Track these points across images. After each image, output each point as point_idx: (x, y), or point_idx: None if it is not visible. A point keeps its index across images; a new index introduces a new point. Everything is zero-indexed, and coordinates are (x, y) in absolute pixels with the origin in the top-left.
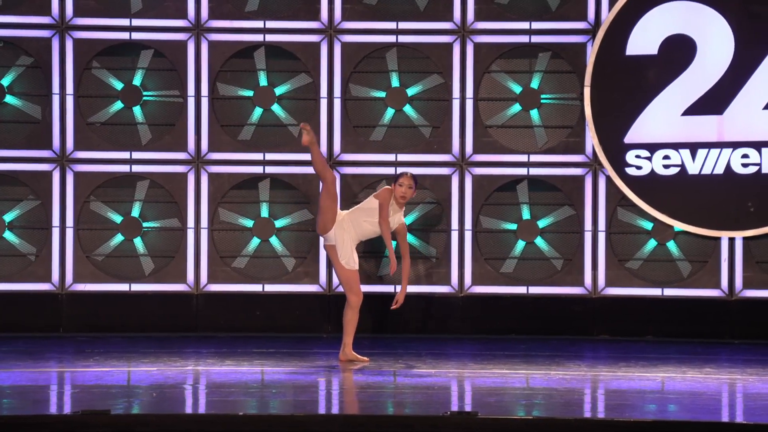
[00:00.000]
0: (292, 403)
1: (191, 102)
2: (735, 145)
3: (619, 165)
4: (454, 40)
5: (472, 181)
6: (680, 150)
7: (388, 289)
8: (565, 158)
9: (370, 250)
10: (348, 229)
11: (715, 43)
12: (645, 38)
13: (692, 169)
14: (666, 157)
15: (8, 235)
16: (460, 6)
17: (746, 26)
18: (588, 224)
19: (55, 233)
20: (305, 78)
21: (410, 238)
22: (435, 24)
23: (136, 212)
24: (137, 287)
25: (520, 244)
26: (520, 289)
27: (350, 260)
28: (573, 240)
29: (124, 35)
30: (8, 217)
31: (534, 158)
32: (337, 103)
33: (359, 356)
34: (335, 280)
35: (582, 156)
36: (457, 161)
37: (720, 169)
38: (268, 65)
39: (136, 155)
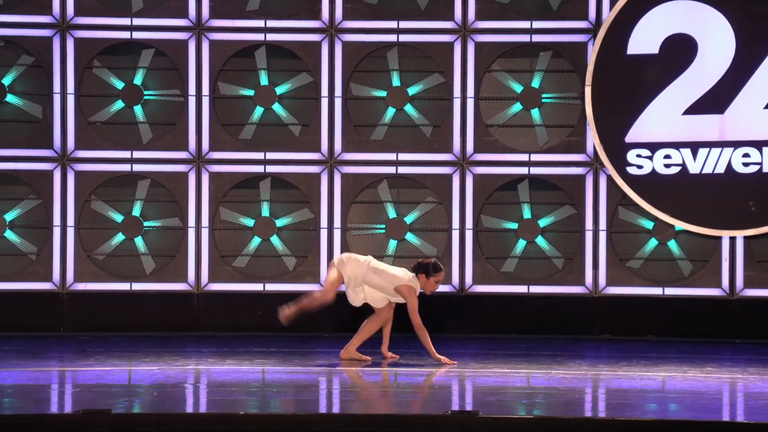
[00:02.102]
0: (293, 402)
1: (192, 101)
2: (736, 144)
3: (620, 164)
4: (455, 39)
5: (473, 181)
6: (681, 149)
7: None
8: (566, 157)
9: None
10: (364, 280)
11: (716, 42)
12: (646, 38)
13: (693, 168)
14: (667, 157)
15: (9, 234)
16: (461, 5)
17: (747, 26)
18: (589, 223)
19: (56, 232)
20: (306, 77)
21: (411, 237)
22: (436, 23)
23: (137, 211)
24: (138, 286)
25: (521, 244)
26: (521, 289)
27: (354, 299)
28: (574, 239)
29: (125, 34)
30: (9, 217)
31: (535, 157)
32: (338, 103)
33: (361, 355)
34: None
35: (583, 155)
36: (458, 160)
37: (721, 169)
38: (269, 64)
39: (137, 154)
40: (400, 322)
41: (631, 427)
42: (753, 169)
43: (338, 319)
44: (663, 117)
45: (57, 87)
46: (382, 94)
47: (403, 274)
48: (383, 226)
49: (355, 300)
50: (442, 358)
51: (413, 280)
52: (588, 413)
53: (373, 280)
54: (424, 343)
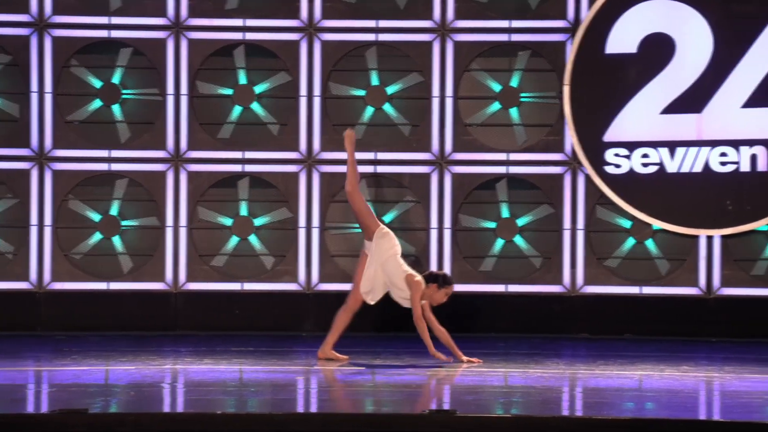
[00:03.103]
0: (270, 401)
1: (170, 100)
2: (713, 143)
3: (598, 163)
4: (434, 38)
5: (451, 180)
6: (659, 148)
7: None
8: (544, 156)
9: None
10: (387, 266)
11: (694, 41)
12: (624, 37)
13: (671, 167)
14: (645, 156)
15: None
16: (440, 4)
17: (725, 25)
18: (567, 222)
19: (33, 232)
20: (285, 76)
21: None
22: (415, 22)
23: (114, 211)
24: (115, 286)
25: (499, 243)
26: (499, 288)
27: (370, 293)
28: (552, 238)
29: (103, 33)
30: None
31: (513, 156)
32: (317, 102)
33: (338, 355)
34: (314, 278)
35: (561, 154)
36: (437, 159)
37: (698, 168)
38: (248, 63)
39: (115, 153)
40: (378, 322)
41: (608, 425)
42: (730, 168)
43: (316, 319)
44: (641, 116)
45: (34, 86)
46: (361, 93)
47: (415, 275)
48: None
49: (375, 293)
50: (438, 354)
51: (423, 285)
52: (565, 412)
53: (390, 264)
54: (422, 335)
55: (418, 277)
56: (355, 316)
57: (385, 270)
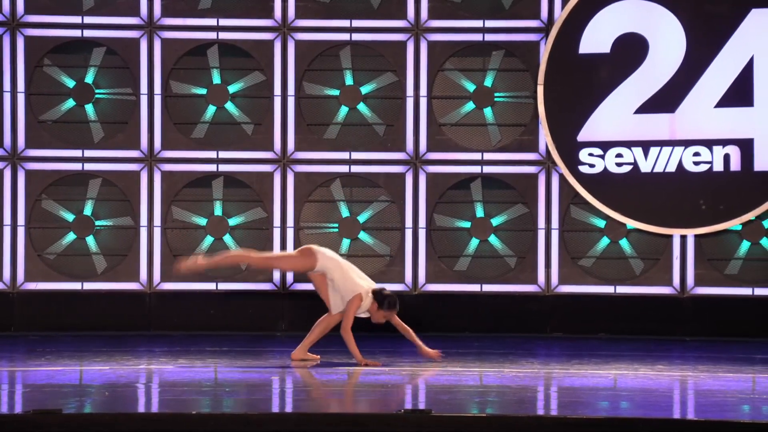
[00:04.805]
0: (245, 401)
1: (144, 100)
2: (687, 143)
3: (572, 163)
4: (408, 38)
5: (425, 179)
6: (633, 148)
7: None
8: (518, 156)
9: None
10: (343, 282)
11: (667, 41)
12: (597, 37)
13: (645, 167)
14: (619, 155)
15: None
16: (413, 4)
17: (697, 25)
18: (541, 222)
19: (6, 232)
20: (259, 76)
21: (364, 236)
22: (388, 22)
23: (88, 210)
24: (89, 286)
25: (474, 242)
26: (474, 287)
27: (336, 306)
28: (526, 238)
29: (76, 33)
30: None
31: (487, 156)
32: (291, 101)
33: (311, 355)
34: (289, 278)
35: (535, 154)
36: (411, 159)
37: (672, 167)
38: (222, 63)
39: (89, 153)
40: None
41: (583, 424)
42: (703, 168)
43: (291, 318)
44: (615, 116)
45: (7, 85)
46: (335, 92)
47: (366, 286)
48: (336, 225)
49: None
50: (368, 361)
51: (368, 296)
52: (540, 411)
53: (337, 277)
54: (349, 346)
55: (363, 291)
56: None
57: (343, 295)
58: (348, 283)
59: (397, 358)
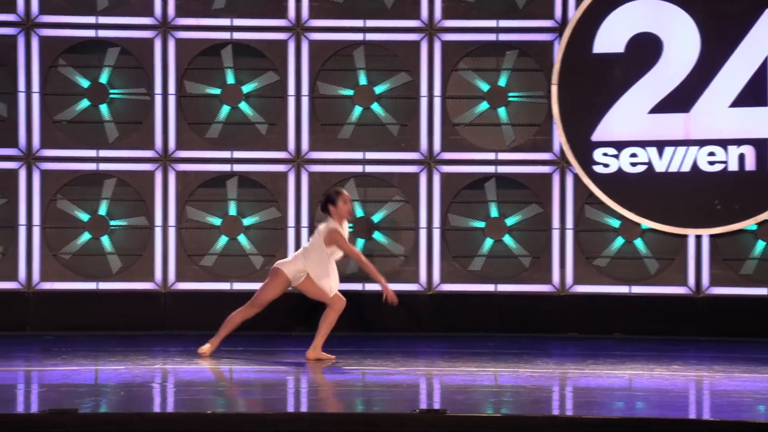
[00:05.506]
0: (260, 401)
1: (158, 100)
2: (701, 143)
3: (587, 163)
4: (422, 38)
5: (440, 179)
6: (647, 148)
7: (356, 287)
8: (532, 156)
9: None
10: (317, 265)
11: (681, 41)
12: (612, 36)
13: (659, 166)
14: (633, 155)
15: None
16: (427, 4)
17: (712, 24)
18: (556, 222)
19: (22, 232)
20: (273, 76)
21: (379, 236)
22: (402, 22)
23: (103, 210)
24: (104, 286)
25: (488, 242)
26: (489, 287)
27: (331, 287)
28: (541, 238)
29: (91, 33)
30: None
31: (502, 156)
32: (305, 101)
33: (326, 354)
34: None
35: (549, 154)
36: (425, 159)
37: (687, 167)
38: (236, 63)
39: (103, 153)
40: (368, 321)
41: (598, 425)
42: (718, 167)
43: (305, 318)
44: (629, 116)
45: (22, 86)
46: (349, 92)
47: (317, 233)
48: (351, 224)
49: (332, 282)
50: (389, 289)
51: (330, 224)
52: (555, 411)
53: (310, 257)
54: (368, 271)
55: (324, 228)
56: (340, 316)
57: (312, 264)
58: (317, 252)
59: (412, 359)
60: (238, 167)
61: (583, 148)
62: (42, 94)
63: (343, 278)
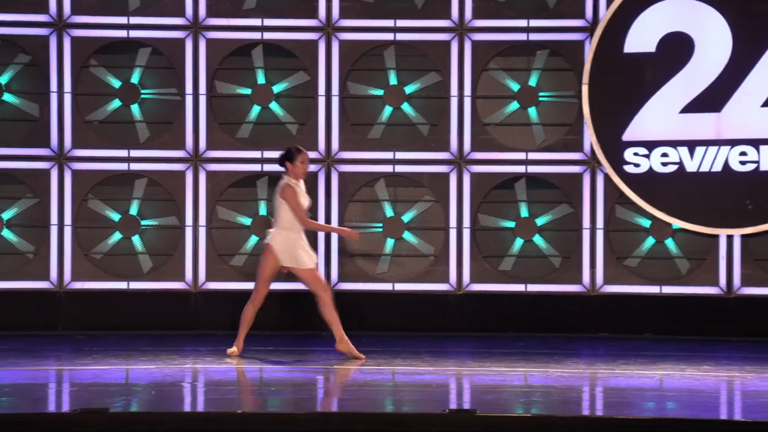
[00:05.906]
0: (290, 401)
1: (189, 100)
2: (733, 142)
3: (618, 163)
4: (452, 37)
5: (470, 179)
6: (678, 147)
7: (385, 287)
8: (563, 156)
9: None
10: (290, 241)
11: (713, 40)
12: (643, 36)
13: (690, 166)
14: (664, 155)
15: (6, 233)
16: (457, 4)
17: (744, 23)
18: (586, 222)
19: (53, 231)
20: (303, 76)
21: (409, 236)
22: (433, 22)
23: (134, 210)
24: (135, 285)
25: (519, 242)
26: (519, 287)
27: (307, 260)
28: (571, 238)
29: (122, 33)
30: (6, 215)
31: (532, 156)
32: (335, 101)
33: (356, 351)
34: (334, 277)
35: (580, 154)
36: (456, 159)
37: (718, 167)
38: (266, 63)
39: (134, 153)
40: (398, 321)
41: (629, 425)
42: (750, 167)
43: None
44: (660, 115)
45: (54, 86)
46: (379, 92)
47: (276, 193)
48: (380, 224)
49: (307, 255)
50: (344, 229)
51: (285, 179)
52: (586, 411)
53: (289, 225)
54: (319, 229)
55: (282, 185)
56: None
57: (292, 233)
58: (283, 212)
59: (442, 359)
60: (269, 167)
61: (614, 148)
62: (74, 94)
63: (373, 279)
